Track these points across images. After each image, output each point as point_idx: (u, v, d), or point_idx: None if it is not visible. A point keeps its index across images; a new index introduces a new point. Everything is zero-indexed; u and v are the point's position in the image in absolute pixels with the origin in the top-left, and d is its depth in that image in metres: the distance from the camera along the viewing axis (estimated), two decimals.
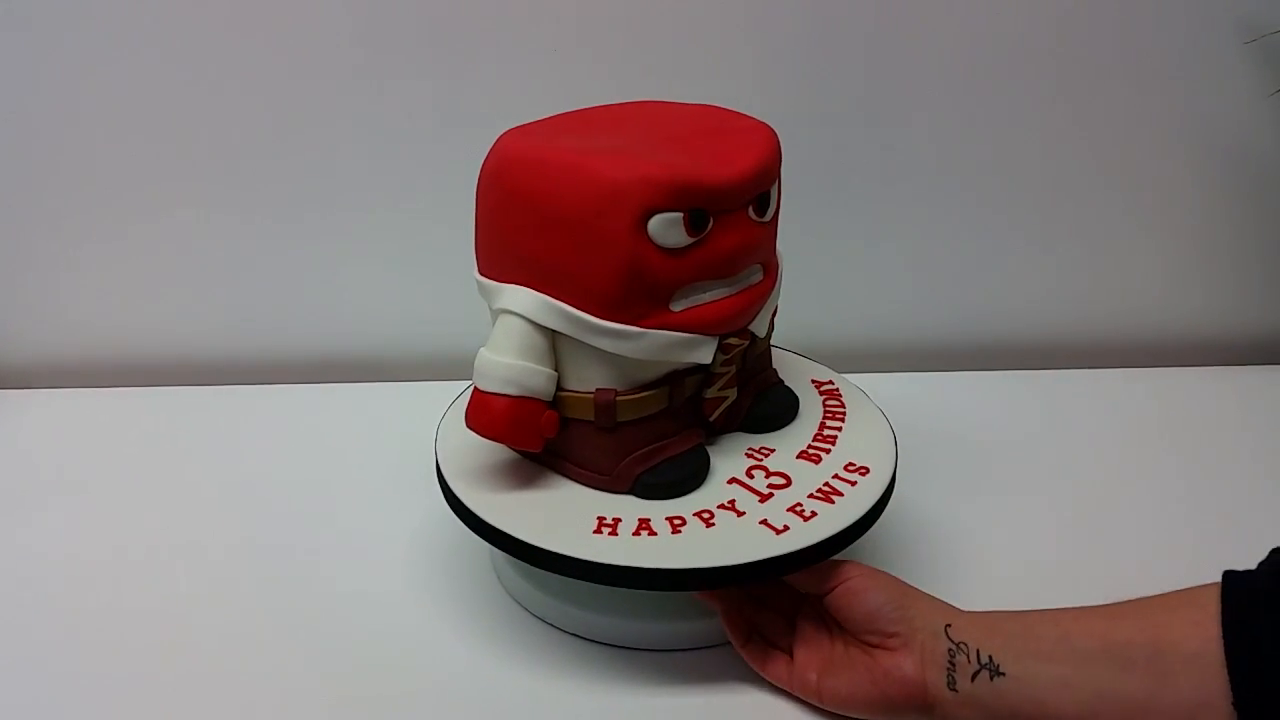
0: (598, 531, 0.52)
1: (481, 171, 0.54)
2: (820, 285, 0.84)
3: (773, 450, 0.59)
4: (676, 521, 0.53)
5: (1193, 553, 0.64)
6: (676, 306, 0.52)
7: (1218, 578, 0.44)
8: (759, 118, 0.56)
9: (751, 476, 0.57)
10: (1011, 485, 0.72)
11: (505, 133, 0.54)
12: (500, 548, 0.53)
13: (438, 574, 0.63)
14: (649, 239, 0.49)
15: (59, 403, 0.83)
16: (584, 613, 0.57)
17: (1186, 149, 0.82)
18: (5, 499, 0.71)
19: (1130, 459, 0.75)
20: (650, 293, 0.50)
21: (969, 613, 0.50)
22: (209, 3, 0.74)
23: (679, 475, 0.55)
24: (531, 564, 0.52)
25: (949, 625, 0.49)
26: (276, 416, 0.81)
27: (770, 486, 0.56)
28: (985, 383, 0.86)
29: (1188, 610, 0.43)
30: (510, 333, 0.52)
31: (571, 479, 0.56)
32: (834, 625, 0.53)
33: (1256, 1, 0.77)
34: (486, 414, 0.52)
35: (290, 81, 0.77)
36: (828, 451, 0.59)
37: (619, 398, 0.53)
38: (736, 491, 0.55)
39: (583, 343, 0.51)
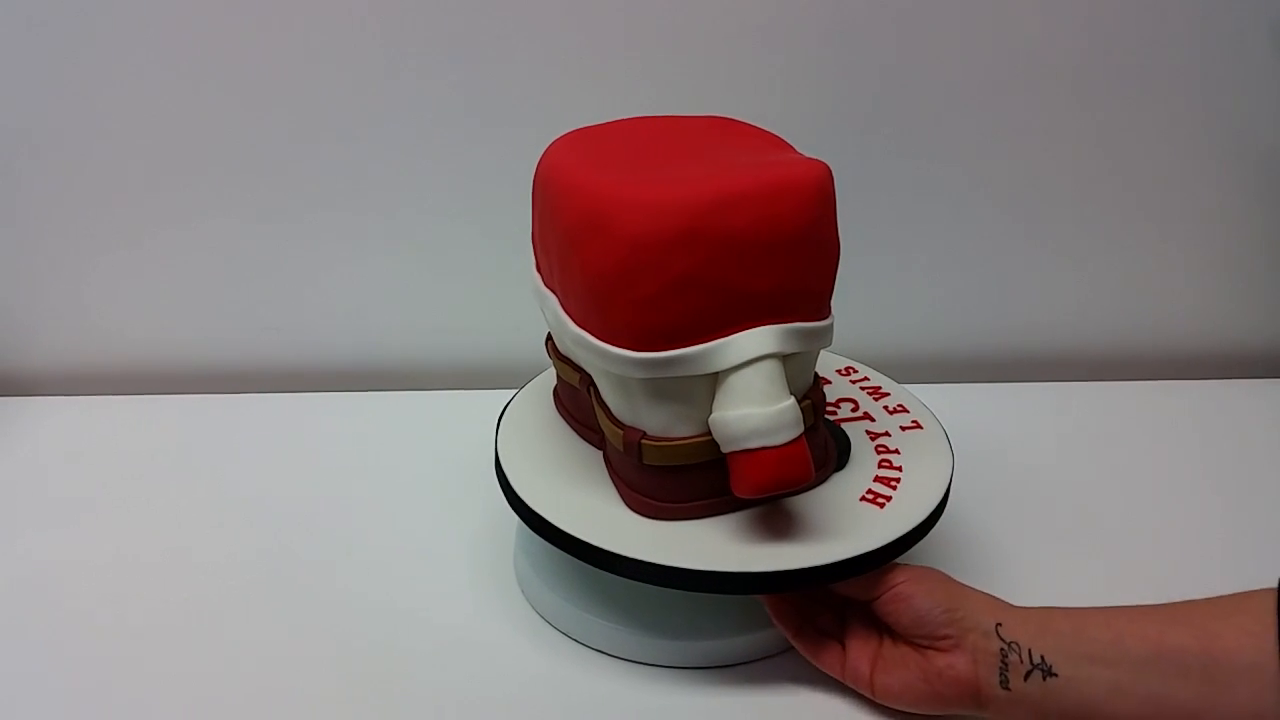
0: (879, 505, 0.55)
1: (657, 241, 0.47)
2: (845, 297, 0.83)
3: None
4: (891, 481, 0.57)
5: (1226, 566, 0.64)
6: None
7: (1248, 591, 0.45)
8: (785, 131, 0.57)
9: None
10: (1038, 497, 0.72)
11: (634, 192, 0.48)
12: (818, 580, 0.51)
13: (459, 584, 0.63)
14: None
15: (81, 410, 0.83)
16: (611, 626, 0.58)
17: (1218, 159, 0.82)
18: (39, 507, 0.71)
19: (1161, 472, 0.75)
20: None
21: (1020, 609, 0.50)
22: (231, 10, 0.74)
23: (846, 436, 0.59)
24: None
25: (999, 624, 0.49)
26: (297, 424, 0.81)
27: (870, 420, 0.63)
28: (1013, 395, 0.86)
29: (1241, 618, 0.44)
30: (774, 375, 0.48)
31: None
32: (884, 627, 0.53)
33: None
34: (798, 463, 0.48)
35: (313, 87, 0.76)
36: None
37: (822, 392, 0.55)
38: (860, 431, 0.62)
39: (799, 355, 0.51)
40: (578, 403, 0.59)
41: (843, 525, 0.53)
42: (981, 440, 0.77)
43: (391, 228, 0.82)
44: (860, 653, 0.53)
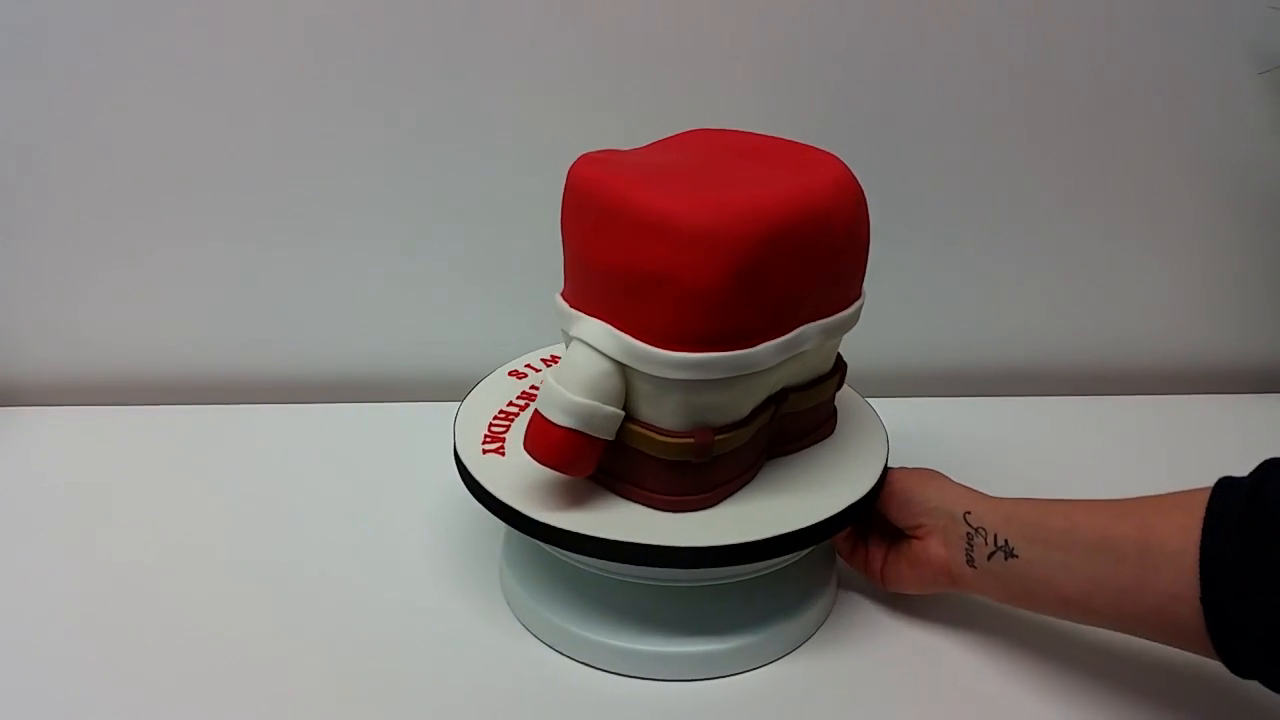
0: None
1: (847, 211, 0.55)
2: None
3: None
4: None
5: None
6: None
7: None
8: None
9: None
10: None
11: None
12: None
13: (444, 595, 0.64)
14: None
15: (76, 420, 0.84)
16: (594, 639, 0.58)
17: (1198, 179, 0.83)
18: (32, 516, 0.72)
19: (1137, 487, 0.72)
20: None
21: (991, 499, 0.57)
22: (223, 29, 0.75)
23: None
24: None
25: (968, 512, 0.57)
26: (285, 436, 0.82)
27: None
28: (989, 409, 0.87)
29: (1176, 513, 0.49)
30: None
31: None
32: (893, 533, 0.62)
33: (1270, 33, 0.77)
34: None
35: (301, 103, 0.78)
36: None
37: None
38: None
39: None
40: (747, 452, 0.58)
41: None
42: (959, 454, 0.78)
43: (380, 240, 0.83)
44: (875, 553, 0.63)
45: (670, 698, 0.56)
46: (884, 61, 0.78)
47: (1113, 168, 0.82)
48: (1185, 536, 0.47)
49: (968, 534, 0.56)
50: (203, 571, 0.66)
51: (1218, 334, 0.89)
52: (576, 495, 0.56)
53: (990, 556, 0.55)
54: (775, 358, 0.53)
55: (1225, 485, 0.49)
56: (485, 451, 0.59)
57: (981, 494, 0.58)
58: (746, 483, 0.58)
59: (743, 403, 0.54)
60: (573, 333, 0.54)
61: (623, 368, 0.52)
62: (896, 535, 0.61)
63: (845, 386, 0.65)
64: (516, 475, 0.57)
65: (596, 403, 0.52)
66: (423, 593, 0.64)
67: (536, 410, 0.53)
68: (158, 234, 0.82)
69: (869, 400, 0.68)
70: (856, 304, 0.59)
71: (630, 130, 0.67)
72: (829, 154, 0.57)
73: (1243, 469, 0.77)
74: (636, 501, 0.55)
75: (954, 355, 0.90)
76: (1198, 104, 0.80)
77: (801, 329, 0.54)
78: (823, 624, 0.62)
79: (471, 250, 0.83)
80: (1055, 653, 0.59)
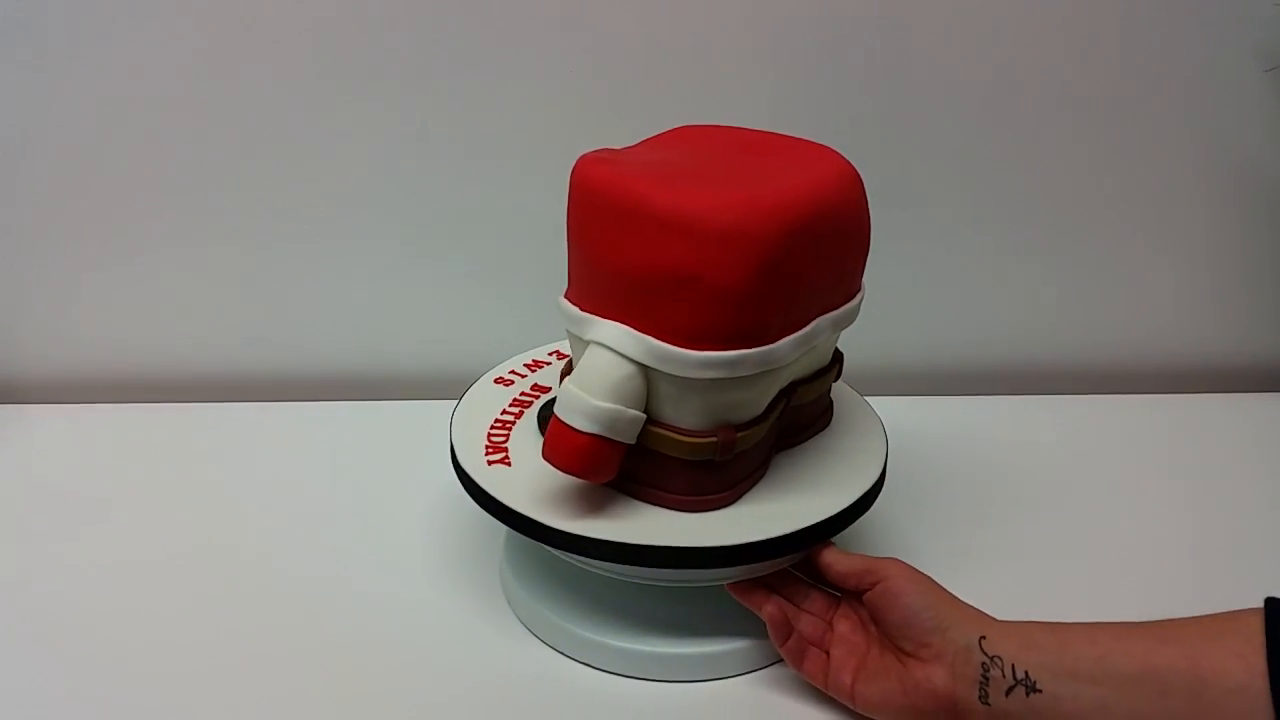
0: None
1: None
2: None
3: None
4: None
5: (1205, 580, 0.65)
6: None
7: (1226, 608, 0.45)
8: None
9: None
10: (1019, 512, 0.72)
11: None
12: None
13: (444, 594, 0.64)
14: None
15: (76, 418, 0.84)
16: (594, 639, 0.58)
17: (1204, 176, 0.83)
18: (31, 513, 0.72)
19: (1140, 486, 0.76)
20: None
21: (1004, 623, 0.50)
22: (224, 28, 0.75)
23: None
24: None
25: (983, 637, 0.49)
26: (284, 433, 0.82)
27: None
28: (993, 408, 0.87)
29: (1230, 639, 0.43)
30: None
31: None
32: (871, 629, 0.54)
33: (1276, 31, 0.77)
34: None
35: (301, 103, 0.78)
36: None
37: None
38: None
39: None
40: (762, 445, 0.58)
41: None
42: (960, 454, 0.78)
43: (379, 239, 0.83)
44: (844, 662, 0.53)
45: (670, 698, 0.56)
46: (887, 59, 0.77)
47: (1117, 165, 0.82)
48: (1246, 668, 0.42)
49: (983, 664, 0.48)
50: (201, 569, 0.66)
51: (1223, 332, 0.89)
52: (594, 502, 0.55)
53: (1009, 692, 0.47)
54: (794, 352, 0.53)
55: (1277, 606, 0.43)
56: (491, 463, 0.58)
57: (989, 616, 0.51)
58: (760, 478, 0.58)
59: (761, 399, 0.54)
60: (588, 336, 0.53)
61: (644, 370, 0.51)
62: (880, 646, 0.53)
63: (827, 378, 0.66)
64: (529, 485, 0.56)
65: (620, 407, 0.51)
66: (423, 591, 0.64)
67: (556, 417, 0.52)
68: (157, 232, 0.82)
69: (866, 398, 0.67)
70: (859, 295, 0.59)
71: (632, 129, 0.66)
72: (826, 147, 0.57)
73: (1248, 469, 0.78)
74: (656, 504, 0.55)
75: (956, 354, 0.89)
76: (1203, 102, 0.80)
77: (816, 322, 0.55)
78: None
79: (471, 249, 0.83)
80: None
